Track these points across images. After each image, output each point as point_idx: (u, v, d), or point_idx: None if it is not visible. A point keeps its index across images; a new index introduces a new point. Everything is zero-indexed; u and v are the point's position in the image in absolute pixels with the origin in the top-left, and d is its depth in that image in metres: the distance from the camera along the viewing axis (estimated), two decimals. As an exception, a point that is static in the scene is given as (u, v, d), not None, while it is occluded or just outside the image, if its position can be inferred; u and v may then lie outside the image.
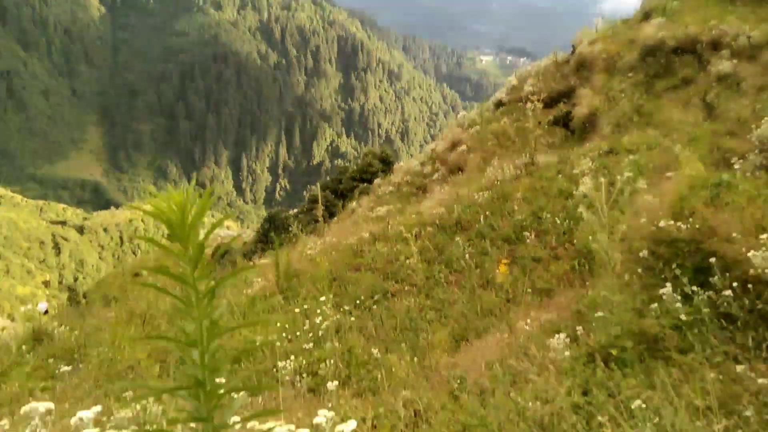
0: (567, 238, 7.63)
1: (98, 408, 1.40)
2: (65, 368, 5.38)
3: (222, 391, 0.98)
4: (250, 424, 1.36)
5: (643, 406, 2.79)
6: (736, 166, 5.94)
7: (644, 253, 5.21)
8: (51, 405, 1.37)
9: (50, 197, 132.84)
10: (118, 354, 5.29)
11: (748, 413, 2.86)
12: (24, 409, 1.29)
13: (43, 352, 6.56)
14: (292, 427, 1.37)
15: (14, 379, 5.10)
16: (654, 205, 5.61)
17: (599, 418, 3.11)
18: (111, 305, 8.41)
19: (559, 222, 7.83)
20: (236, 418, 1.28)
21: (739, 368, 3.49)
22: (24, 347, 6.51)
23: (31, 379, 5.35)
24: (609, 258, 3.96)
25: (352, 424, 1.41)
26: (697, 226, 4.76)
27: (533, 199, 8.89)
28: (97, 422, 1.37)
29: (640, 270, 5.23)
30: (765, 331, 3.84)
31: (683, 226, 4.89)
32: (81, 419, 1.36)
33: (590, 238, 5.84)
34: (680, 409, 1.97)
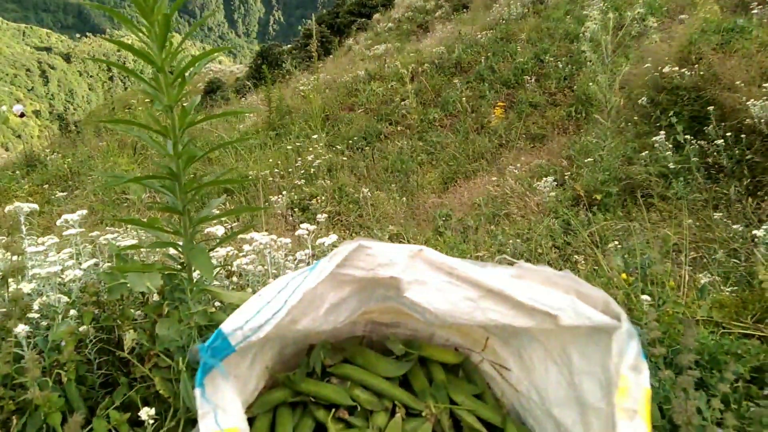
0: (567, 83, 7.42)
1: (84, 211, 1.41)
2: (60, 194, 5.47)
3: (197, 183, 0.96)
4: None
5: (619, 246, 2.88)
6: (755, 11, 5.57)
7: (643, 100, 5.07)
8: (35, 206, 1.37)
9: (31, 20, 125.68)
10: (107, 185, 5.33)
11: (718, 255, 2.96)
12: (8, 207, 1.28)
13: (37, 178, 6.60)
14: (275, 236, 1.39)
15: (10, 200, 5.19)
16: (661, 50, 5.35)
17: (576, 257, 3.25)
18: (102, 135, 8.30)
19: (561, 66, 7.55)
20: (214, 212, 1.28)
21: (717, 215, 3.57)
22: (18, 173, 6.55)
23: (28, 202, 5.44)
24: (606, 101, 3.84)
25: (333, 237, 1.44)
26: (701, 73, 4.58)
27: (537, 40, 8.47)
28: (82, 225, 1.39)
29: (636, 117, 5.14)
30: (749, 182, 3.87)
31: (687, 73, 4.70)
32: (66, 221, 1.37)
33: (590, 82, 5.66)
34: (653, 248, 2.02)
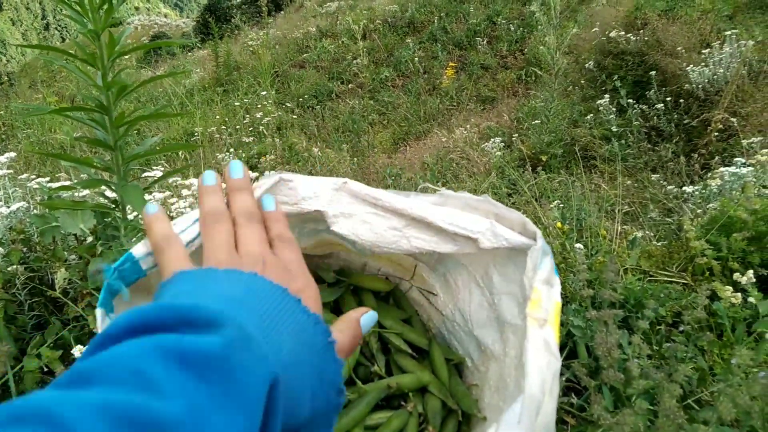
0: (518, 46, 7.47)
1: (12, 154, 1.35)
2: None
3: (128, 116, 0.93)
4: (171, 179, 1.34)
5: (561, 205, 2.98)
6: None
7: (590, 63, 5.18)
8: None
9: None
10: (45, 134, 5.10)
11: (653, 215, 3.10)
12: None
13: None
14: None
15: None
16: (608, 14, 5.45)
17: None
18: (38, 87, 7.88)
19: (513, 29, 7.60)
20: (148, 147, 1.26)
21: (654, 176, 3.72)
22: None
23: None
24: (554, 63, 3.90)
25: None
26: (646, 38, 4.70)
27: (491, 2, 8.47)
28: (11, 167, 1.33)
29: (583, 81, 5.26)
30: (685, 145, 4.04)
31: (633, 38, 4.82)
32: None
33: (540, 45, 5.72)
34: (589, 203, 2.10)
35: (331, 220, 0.63)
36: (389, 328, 0.76)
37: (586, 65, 5.33)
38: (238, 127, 6.30)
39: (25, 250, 1.23)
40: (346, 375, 0.70)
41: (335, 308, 0.80)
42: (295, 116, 6.72)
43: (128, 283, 0.51)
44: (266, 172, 0.66)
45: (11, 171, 1.40)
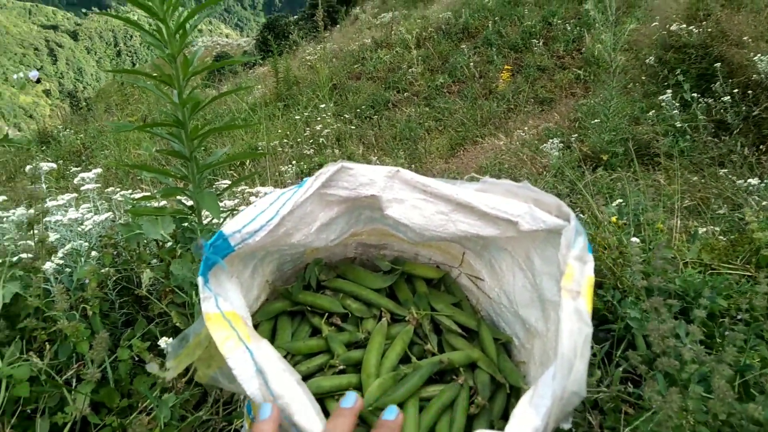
0: (575, 46, 7.37)
1: (99, 170, 1.50)
2: (75, 169, 5.60)
3: (202, 130, 1.04)
4: (240, 187, 1.45)
5: (624, 203, 2.94)
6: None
7: (651, 59, 5.05)
8: (53, 165, 1.47)
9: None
10: (123, 154, 5.45)
11: (721, 210, 3.00)
12: (27, 168, 1.38)
13: (51, 154, 6.74)
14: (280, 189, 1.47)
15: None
16: (668, 7, 5.30)
17: (580, 215, 3.31)
18: (113, 111, 8.41)
19: (569, 29, 7.50)
20: (225, 183, 1.37)
21: (722, 171, 3.59)
22: (33, 149, 6.68)
23: (48, 179, 5.59)
24: (611, 61, 3.85)
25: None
26: (709, 30, 4.55)
27: (545, 2, 8.39)
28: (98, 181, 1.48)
29: (644, 77, 5.13)
30: (755, 138, 3.88)
31: (695, 30, 4.67)
32: (83, 178, 1.46)
33: (597, 43, 5.62)
34: (647, 197, 2.08)
35: (385, 204, 0.71)
36: (440, 311, 0.82)
37: (647, 61, 5.20)
38: (299, 139, 6.51)
39: (114, 254, 1.37)
40: (402, 354, 0.77)
41: (390, 294, 0.87)
42: (353, 127, 6.88)
43: (222, 256, 0.60)
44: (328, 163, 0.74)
45: (98, 185, 1.55)
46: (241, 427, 1.15)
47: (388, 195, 0.72)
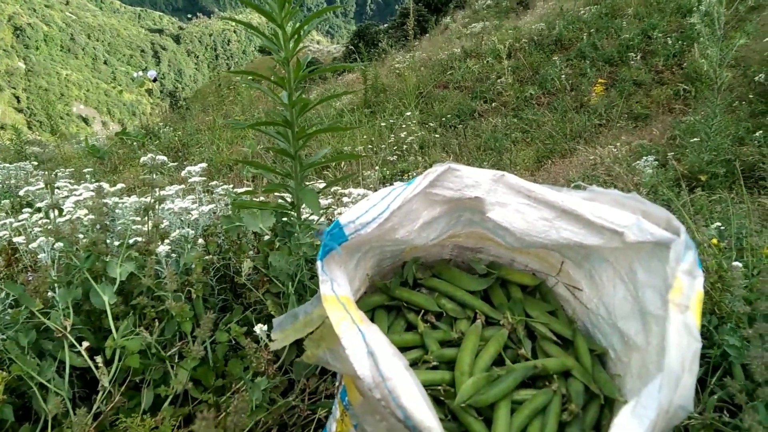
0: (676, 60, 7.03)
1: (204, 164, 1.61)
2: (171, 164, 5.98)
3: (308, 130, 1.10)
4: (333, 188, 1.51)
5: (724, 226, 2.78)
6: None
7: (761, 76, 4.75)
8: (165, 158, 1.59)
9: (146, 4, 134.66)
10: (216, 155, 5.75)
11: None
12: (142, 158, 1.50)
13: (152, 149, 7.22)
14: (370, 191, 1.53)
15: (134, 167, 5.77)
16: (784, 22, 4.96)
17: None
18: (208, 111, 8.90)
19: (670, 43, 7.16)
20: (322, 183, 1.44)
21: (839, 198, 3.32)
22: (135, 144, 7.18)
23: (145, 169, 5.99)
24: (716, 77, 3.65)
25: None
26: (830, 46, 4.22)
27: (646, 15, 8.06)
28: (203, 175, 1.59)
29: (751, 95, 4.83)
30: None
31: (813, 47, 4.34)
32: (189, 171, 1.57)
33: (701, 58, 5.34)
34: (751, 219, 1.96)
35: (488, 207, 0.73)
36: (535, 318, 0.83)
37: (756, 78, 4.89)
38: (383, 146, 6.60)
39: (218, 242, 1.46)
40: (495, 356, 0.79)
41: (485, 298, 0.89)
42: (437, 135, 6.89)
43: (339, 243, 0.64)
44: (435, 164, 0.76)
45: (204, 178, 1.66)
46: (325, 416, 1.20)
47: (492, 198, 0.74)
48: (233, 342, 1.28)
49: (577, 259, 0.82)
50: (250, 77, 1.25)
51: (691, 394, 0.53)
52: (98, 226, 1.19)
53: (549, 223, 0.72)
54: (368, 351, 0.56)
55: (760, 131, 4.17)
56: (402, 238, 0.76)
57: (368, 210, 0.66)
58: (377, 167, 5.84)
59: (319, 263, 0.63)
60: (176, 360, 1.20)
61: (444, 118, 7.30)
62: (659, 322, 0.66)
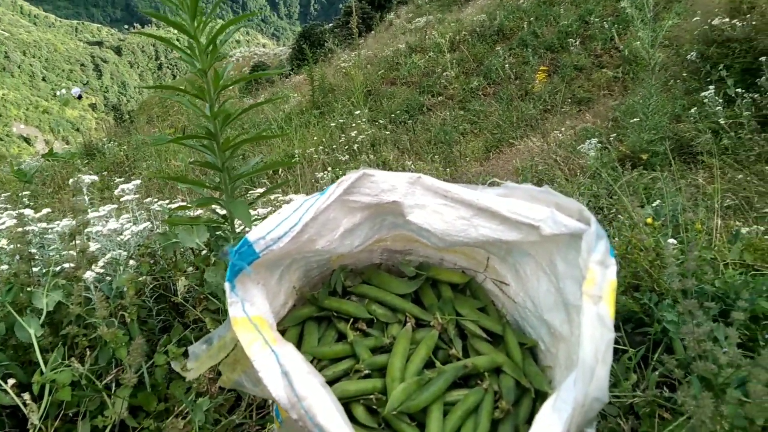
0: (614, 44, 7.23)
1: (138, 181, 1.56)
2: (118, 180, 5.81)
3: (233, 140, 1.07)
4: (273, 196, 1.48)
5: (662, 204, 2.86)
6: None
7: (692, 54, 4.92)
8: (95, 177, 1.53)
9: (83, 16, 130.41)
10: (164, 164, 5.62)
11: (766, 209, 2.89)
12: (71, 180, 1.44)
13: (96, 166, 6.99)
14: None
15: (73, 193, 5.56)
16: (710, 1, 5.15)
17: (620, 216, 3.24)
18: (154, 123, 8.68)
19: (607, 27, 7.36)
20: (258, 194, 1.40)
21: (768, 169, 3.47)
22: (79, 162, 6.94)
23: (91, 191, 5.78)
24: (650, 58, 3.76)
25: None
26: (754, 22, 4.40)
27: (582, 1, 8.25)
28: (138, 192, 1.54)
29: (685, 73, 4.99)
30: (804, 132, 3.73)
31: (739, 24, 4.52)
32: (123, 189, 1.52)
33: (635, 41, 5.50)
34: (683, 196, 2.03)
35: (407, 210, 0.72)
36: (465, 315, 0.82)
37: (688, 57, 5.06)
38: (334, 146, 6.56)
39: (151, 262, 1.42)
40: (426, 359, 0.78)
41: (416, 299, 0.88)
42: (387, 132, 6.90)
43: (248, 263, 0.62)
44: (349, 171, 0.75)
45: (138, 196, 1.61)
46: (273, 431, 1.17)
47: (410, 201, 0.73)
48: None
49: (501, 255, 0.82)
50: (173, 92, 1.21)
51: (605, 385, 0.53)
52: (18, 256, 1.13)
53: (467, 222, 0.71)
54: (282, 371, 0.54)
55: (695, 108, 4.32)
56: (323, 248, 0.74)
57: (280, 224, 0.64)
58: (329, 168, 5.80)
59: (227, 285, 0.61)
60: (113, 388, 1.16)
61: (393, 115, 7.30)
62: (580, 311, 0.67)
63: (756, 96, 4.06)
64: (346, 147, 6.45)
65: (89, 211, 1.65)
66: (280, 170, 5.54)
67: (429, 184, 0.72)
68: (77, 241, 1.26)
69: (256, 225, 1.37)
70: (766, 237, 2.04)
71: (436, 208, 0.72)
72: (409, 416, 0.71)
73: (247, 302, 0.61)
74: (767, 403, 0.80)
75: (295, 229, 0.64)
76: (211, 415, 1.10)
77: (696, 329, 1.02)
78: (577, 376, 0.53)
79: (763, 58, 4.06)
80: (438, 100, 7.53)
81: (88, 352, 1.13)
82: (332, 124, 7.11)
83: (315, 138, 6.83)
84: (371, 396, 0.72)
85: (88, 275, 1.16)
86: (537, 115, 6.40)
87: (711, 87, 4.27)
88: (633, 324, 1.49)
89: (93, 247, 1.38)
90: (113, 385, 1.15)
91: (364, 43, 12.47)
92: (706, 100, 4.22)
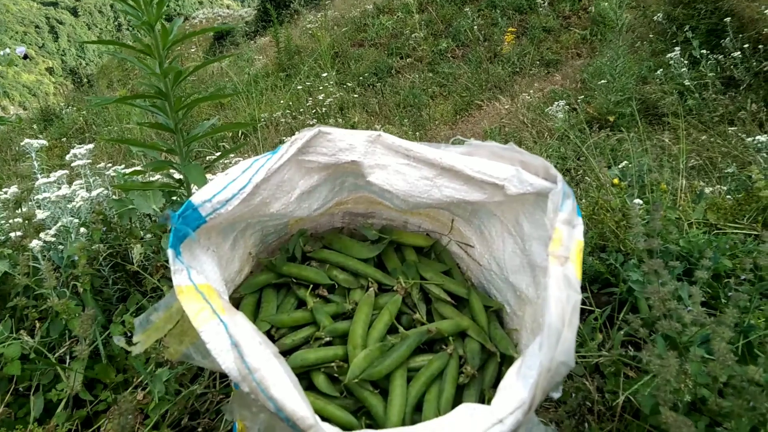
0: (582, 5, 7.18)
1: (90, 145, 1.48)
2: (78, 146, 5.60)
3: (186, 100, 1.01)
4: (234, 159, 1.42)
5: (628, 165, 2.88)
6: None
7: (659, 16, 4.91)
8: (44, 142, 1.45)
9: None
10: (125, 129, 5.43)
11: (729, 169, 2.94)
12: (21, 143, 1.36)
13: (54, 132, 6.71)
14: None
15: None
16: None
17: (587, 177, 3.25)
18: (114, 86, 8.36)
19: (575, -13, 7.30)
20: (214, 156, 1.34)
21: (731, 129, 3.51)
22: (36, 127, 6.66)
23: (50, 158, 5.57)
24: (617, 18, 3.73)
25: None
26: (719, -17, 4.40)
27: (551, -39, 8.14)
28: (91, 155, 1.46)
29: (652, 35, 5.00)
30: (766, 94, 3.78)
31: (705, -16, 4.52)
32: (75, 155, 1.44)
33: (603, 1, 5.47)
34: (649, 157, 2.03)
35: (367, 170, 0.68)
36: (429, 279, 0.80)
37: (655, 18, 5.06)
38: (301, 110, 6.43)
39: (105, 230, 1.35)
40: (389, 324, 0.75)
41: (379, 264, 0.85)
42: (356, 95, 6.78)
43: (193, 228, 0.58)
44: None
45: (89, 161, 1.53)
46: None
47: (370, 161, 0.69)
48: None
49: (465, 216, 0.79)
50: (113, 47, 1.13)
51: (572, 348, 0.51)
52: (-43, 226, 1.06)
53: (431, 182, 0.68)
54: (232, 342, 0.51)
55: (661, 69, 4.33)
56: (279, 211, 0.70)
57: (227, 186, 0.59)
58: (297, 132, 5.68)
59: (170, 251, 0.57)
60: (68, 361, 1.11)
61: (362, 77, 7.17)
62: (546, 274, 0.65)
63: (720, 57, 4.09)
64: (314, 111, 6.32)
65: (39, 177, 1.56)
66: (242, 133, 5.41)
67: (390, 142, 0.68)
68: (23, 209, 1.19)
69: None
70: (728, 197, 2.07)
71: (398, 168, 0.69)
72: (372, 383, 0.68)
73: (194, 270, 0.57)
74: (730, 361, 0.81)
75: (245, 191, 0.60)
76: (171, 386, 1.07)
77: (661, 288, 1.02)
78: (543, 340, 0.51)
79: (728, 19, 4.08)
80: (407, 62, 7.41)
81: (39, 325, 1.08)
82: (299, 87, 6.95)
83: (282, 101, 6.67)
84: (332, 364, 0.69)
85: (35, 244, 1.10)
86: (506, 78, 6.36)
87: (677, 48, 4.28)
88: (599, 284, 1.49)
89: (43, 214, 1.31)
90: (67, 357, 1.10)
91: (331, 3, 12.13)
92: (672, 62, 4.23)
